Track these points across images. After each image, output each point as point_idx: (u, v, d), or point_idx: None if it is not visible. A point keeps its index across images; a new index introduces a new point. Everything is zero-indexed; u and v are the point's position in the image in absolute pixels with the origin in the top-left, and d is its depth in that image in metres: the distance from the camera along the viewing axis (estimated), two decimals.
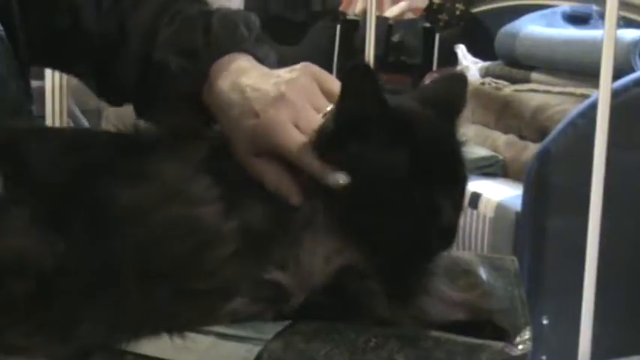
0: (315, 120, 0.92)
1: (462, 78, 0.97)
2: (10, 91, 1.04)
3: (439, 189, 0.87)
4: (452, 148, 0.90)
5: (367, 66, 0.89)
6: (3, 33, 1.05)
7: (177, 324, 0.84)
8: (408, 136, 0.87)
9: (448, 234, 0.88)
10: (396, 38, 4.06)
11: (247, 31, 1.05)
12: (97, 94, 1.18)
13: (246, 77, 0.97)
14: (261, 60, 1.02)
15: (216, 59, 1.01)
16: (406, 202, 0.86)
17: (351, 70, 0.88)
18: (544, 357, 2.49)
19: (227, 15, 1.07)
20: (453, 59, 3.68)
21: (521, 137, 3.02)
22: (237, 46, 1.02)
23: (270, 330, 0.83)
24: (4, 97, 1.04)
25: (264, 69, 1.00)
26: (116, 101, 1.16)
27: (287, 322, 0.85)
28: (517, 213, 2.59)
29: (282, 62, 1.02)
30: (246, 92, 0.96)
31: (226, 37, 1.03)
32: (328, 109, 0.93)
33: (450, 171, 0.89)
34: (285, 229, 0.87)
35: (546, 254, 2.53)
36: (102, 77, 1.13)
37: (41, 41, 1.12)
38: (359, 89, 0.87)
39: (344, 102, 0.89)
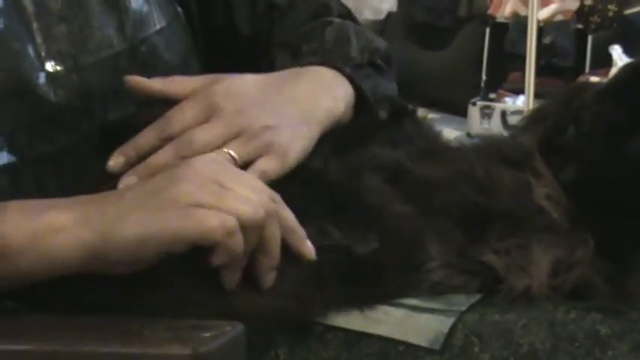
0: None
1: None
2: (193, 70, 1.04)
3: None
4: None
5: None
6: (181, 13, 1.04)
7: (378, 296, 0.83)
8: None
9: None
10: (547, 40, 3.99)
11: (360, 55, 1.01)
12: None
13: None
14: (360, 88, 0.98)
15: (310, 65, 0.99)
16: None
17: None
18: None
19: (346, 30, 1.03)
20: (606, 61, 3.60)
21: None
22: (338, 62, 0.99)
23: (463, 302, 0.81)
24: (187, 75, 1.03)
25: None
26: None
27: (479, 295, 0.83)
28: None
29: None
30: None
31: (333, 51, 1.01)
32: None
33: None
34: (515, 217, 0.85)
35: None
36: None
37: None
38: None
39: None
